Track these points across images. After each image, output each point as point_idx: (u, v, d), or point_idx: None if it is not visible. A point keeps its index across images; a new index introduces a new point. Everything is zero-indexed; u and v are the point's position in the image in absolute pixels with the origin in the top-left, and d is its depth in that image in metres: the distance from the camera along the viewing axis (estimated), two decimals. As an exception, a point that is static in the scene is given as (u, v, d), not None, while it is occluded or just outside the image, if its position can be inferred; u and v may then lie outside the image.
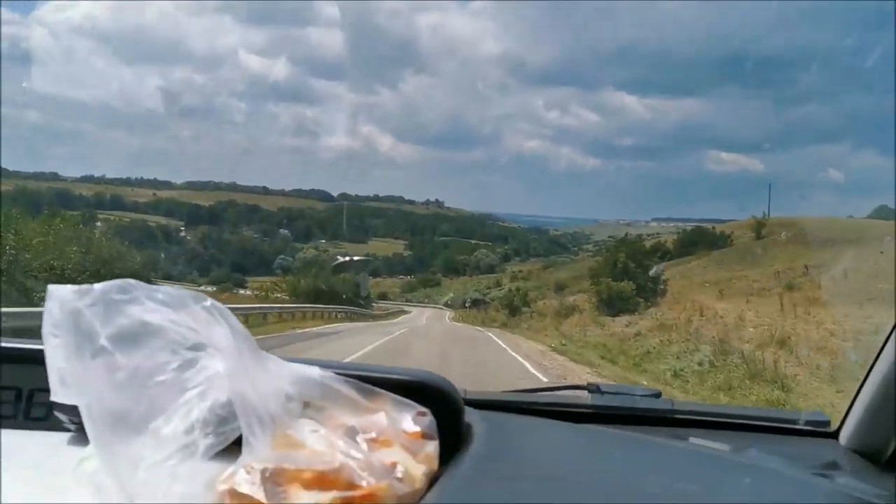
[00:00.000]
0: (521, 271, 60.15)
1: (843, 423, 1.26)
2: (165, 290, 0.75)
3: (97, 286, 0.72)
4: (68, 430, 0.89)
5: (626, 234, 46.63)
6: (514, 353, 14.24)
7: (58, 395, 0.76)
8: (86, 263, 14.76)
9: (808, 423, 1.33)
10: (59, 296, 0.72)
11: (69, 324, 0.71)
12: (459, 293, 57.86)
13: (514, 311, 36.77)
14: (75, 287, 0.72)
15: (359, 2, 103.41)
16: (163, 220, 51.49)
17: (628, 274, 26.14)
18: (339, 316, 29.68)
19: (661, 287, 26.54)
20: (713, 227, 43.28)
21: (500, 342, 17.98)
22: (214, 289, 39.82)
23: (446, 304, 56.03)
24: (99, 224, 44.09)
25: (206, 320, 0.75)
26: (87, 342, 0.71)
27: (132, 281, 0.74)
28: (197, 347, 0.76)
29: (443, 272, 64.32)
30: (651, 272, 28.41)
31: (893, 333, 1.09)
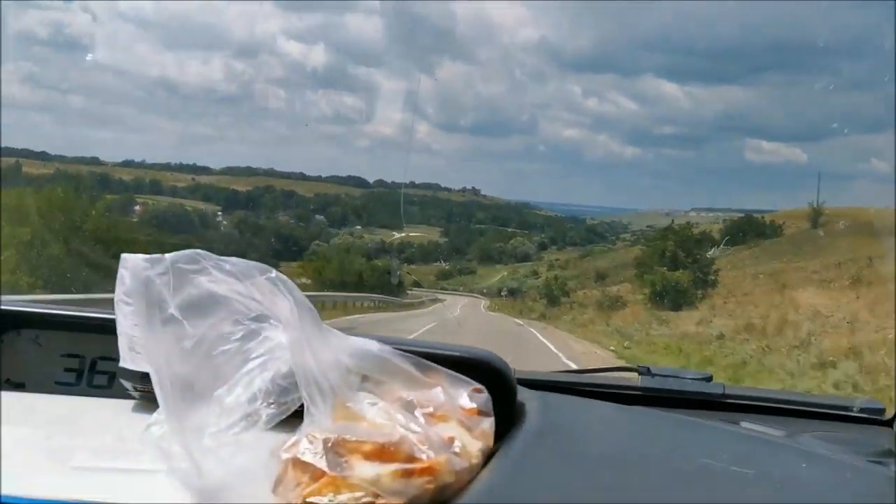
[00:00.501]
0: (557, 260, 59.88)
1: None
2: (233, 260, 0.77)
3: (168, 256, 0.75)
4: (132, 398, 0.93)
5: (672, 221, 44.16)
6: (568, 363, 11.77)
7: (126, 361, 0.79)
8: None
9: (862, 410, 1.31)
10: (132, 264, 0.74)
11: (140, 292, 0.74)
12: (495, 282, 57.89)
13: (553, 300, 35.76)
14: (147, 256, 0.75)
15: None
16: (200, 205, 52.50)
17: (678, 263, 24.89)
18: (365, 305, 28.27)
19: (713, 277, 25.02)
20: (762, 217, 41.42)
21: (545, 341, 16.08)
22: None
23: (481, 293, 56.02)
24: (137, 207, 45.44)
25: (271, 291, 0.77)
26: (156, 310, 0.74)
27: (201, 251, 0.76)
28: (260, 318, 0.78)
29: (478, 260, 64.47)
30: (710, 253, 27.31)
31: None
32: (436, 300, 48.42)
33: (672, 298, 22.22)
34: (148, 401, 0.77)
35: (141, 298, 0.74)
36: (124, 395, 0.93)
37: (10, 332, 1.00)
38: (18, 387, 0.98)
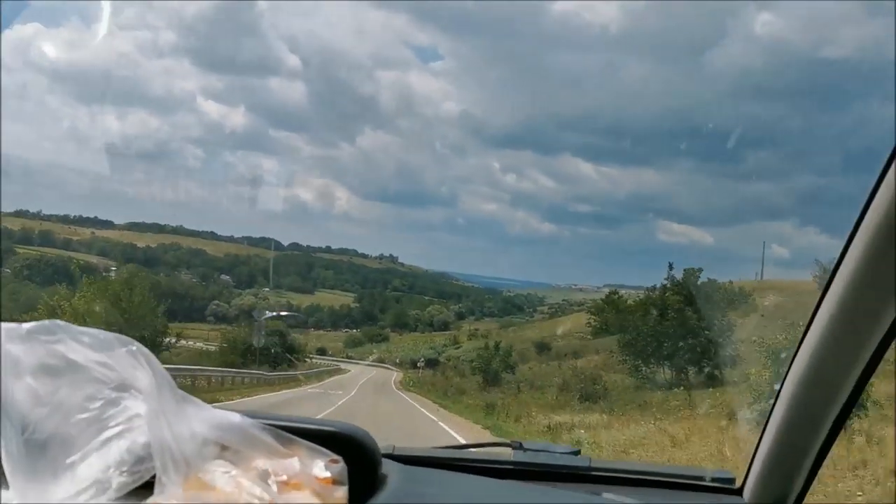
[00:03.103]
0: (477, 329, 58.74)
1: (745, 479, 1.37)
2: (91, 332, 0.82)
3: (25, 325, 0.79)
4: None
5: (671, 272, 30.30)
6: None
7: None
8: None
9: (714, 479, 1.44)
10: (-15, 333, 0.78)
11: (-6, 360, 0.77)
12: (409, 350, 55.68)
13: (491, 378, 28.33)
14: (2, 325, 0.79)
15: (321, 55, 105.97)
16: (93, 259, 50.39)
17: (687, 328, 19.34)
18: (239, 381, 21.67)
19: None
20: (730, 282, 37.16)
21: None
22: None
23: (394, 363, 54.24)
24: (20, 260, 43.28)
25: (130, 363, 0.82)
26: (9, 379, 0.77)
27: (59, 322, 0.81)
28: (121, 388, 0.82)
29: (392, 327, 63.26)
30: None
31: (782, 389, 1.21)
32: (337, 370, 45.87)
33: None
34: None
35: (-6, 366, 0.77)
36: None
37: None
38: None
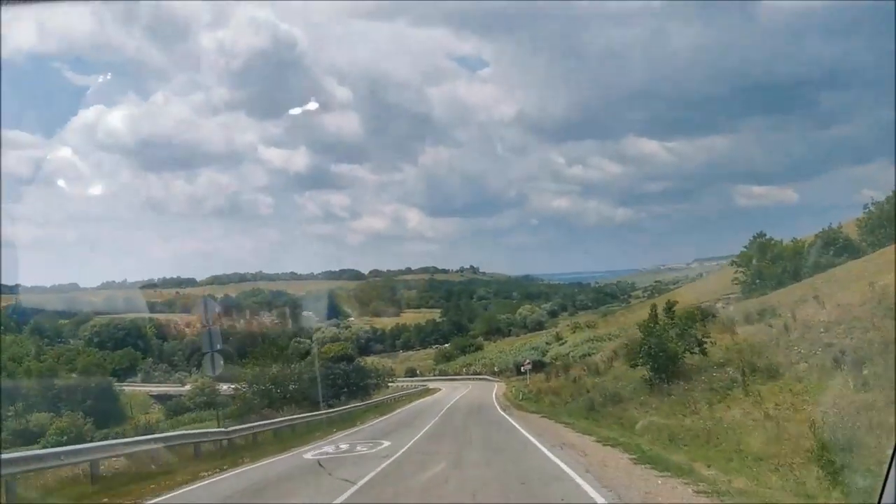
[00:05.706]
0: (577, 324, 57.15)
1: None
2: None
3: None
4: None
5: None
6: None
7: None
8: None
9: None
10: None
11: None
12: (507, 356, 53.96)
13: (676, 368, 19.44)
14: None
15: (369, 82, 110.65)
16: (176, 318, 55.73)
17: None
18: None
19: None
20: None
21: None
22: (189, 388, 42.87)
23: (492, 373, 53.54)
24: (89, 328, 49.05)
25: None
26: None
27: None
28: None
29: (484, 335, 62.69)
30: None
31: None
32: (423, 392, 45.05)
33: None
34: None
35: None
36: None
37: None
38: None
